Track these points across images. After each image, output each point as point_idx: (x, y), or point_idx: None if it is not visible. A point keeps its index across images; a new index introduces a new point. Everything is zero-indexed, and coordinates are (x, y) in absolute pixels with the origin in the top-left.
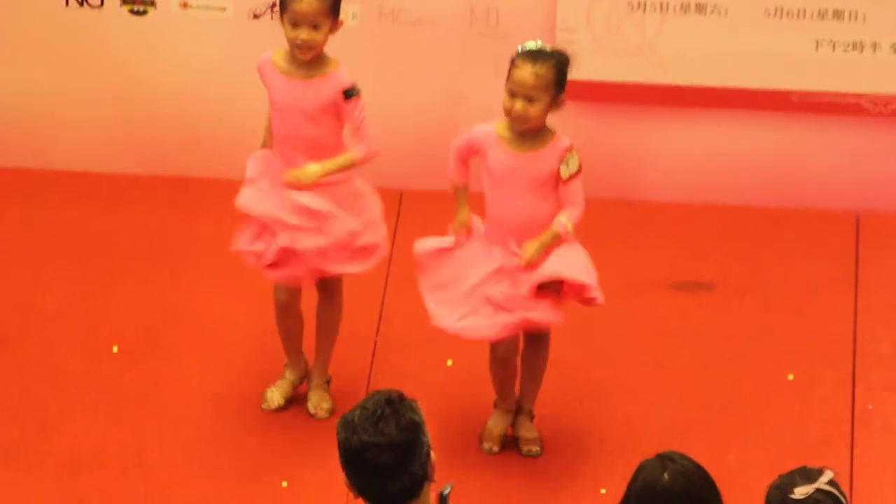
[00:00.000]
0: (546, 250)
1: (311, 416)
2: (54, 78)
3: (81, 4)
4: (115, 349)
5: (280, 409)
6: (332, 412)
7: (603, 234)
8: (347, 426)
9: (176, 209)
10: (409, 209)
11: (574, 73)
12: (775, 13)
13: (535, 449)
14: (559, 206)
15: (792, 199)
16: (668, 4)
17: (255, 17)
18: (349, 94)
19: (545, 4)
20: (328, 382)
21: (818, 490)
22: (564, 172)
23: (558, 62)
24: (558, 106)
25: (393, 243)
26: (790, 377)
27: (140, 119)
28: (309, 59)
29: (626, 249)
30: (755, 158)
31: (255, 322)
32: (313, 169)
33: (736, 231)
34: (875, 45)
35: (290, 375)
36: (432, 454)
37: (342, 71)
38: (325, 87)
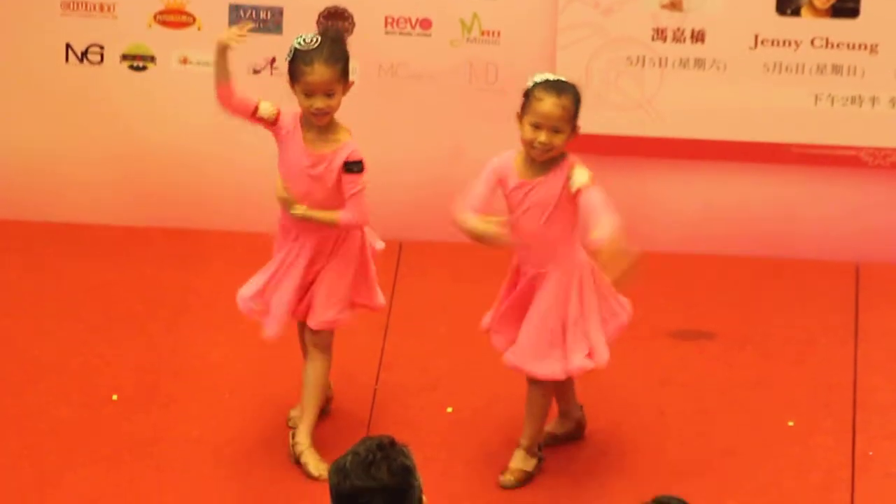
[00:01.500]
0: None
1: (316, 478)
2: (54, 132)
3: (81, 60)
4: (114, 398)
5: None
6: None
7: None
8: (339, 471)
9: (174, 261)
10: (408, 259)
11: None
12: (774, 68)
13: (509, 479)
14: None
15: (792, 250)
16: (667, 59)
17: (255, 72)
18: (351, 167)
19: (544, 59)
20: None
21: None
22: (574, 185)
23: (576, 94)
24: (576, 134)
25: (392, 292)
26: (790, 424)
27: (139, 173)
28: (325, 125)
29: (627, 298)
30: (755, 210)
31: (254, 372)
32: (300, 208)
33: (736, 281)
34: (874, 100)
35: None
36: (424, 499)
37: (352, 143)
38: (336, 157)
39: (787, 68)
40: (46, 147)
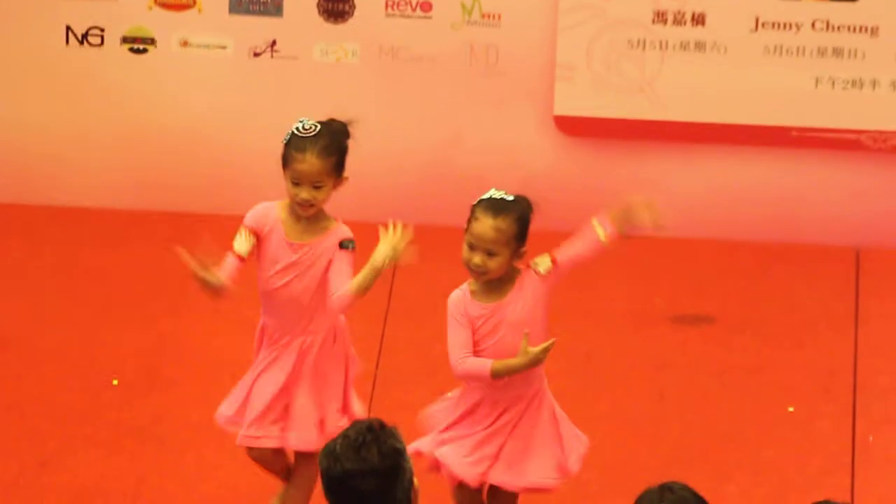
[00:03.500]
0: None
1: None
2: (54, 115)
3: (82, 43)
4: (115, 382)
5: None
6: None
7: (604, 268)
8: (330, 455)
9: (175, 244)
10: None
11: (574, 110)
12: (775, 51)
13: None
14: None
15: (792, 234)
16: (667, 42)
17: (256, 55)
18: (346, 245)
19: (545, 42)
20: None
21: None
22: (543, 269)
23: (520, 216)
24: (519, 257)
25: (392, 278)
26: (790, 409)
27: (141, 156)
28: (309, 217)
29: (628, 283)
30: (755, 194)
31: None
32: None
33: (736, 265)
34: (874, 83)
35: None
36: (415, 480)
37: (343, 227)
38: (328, 241)
39: (787, 51)
40: (47, 130)
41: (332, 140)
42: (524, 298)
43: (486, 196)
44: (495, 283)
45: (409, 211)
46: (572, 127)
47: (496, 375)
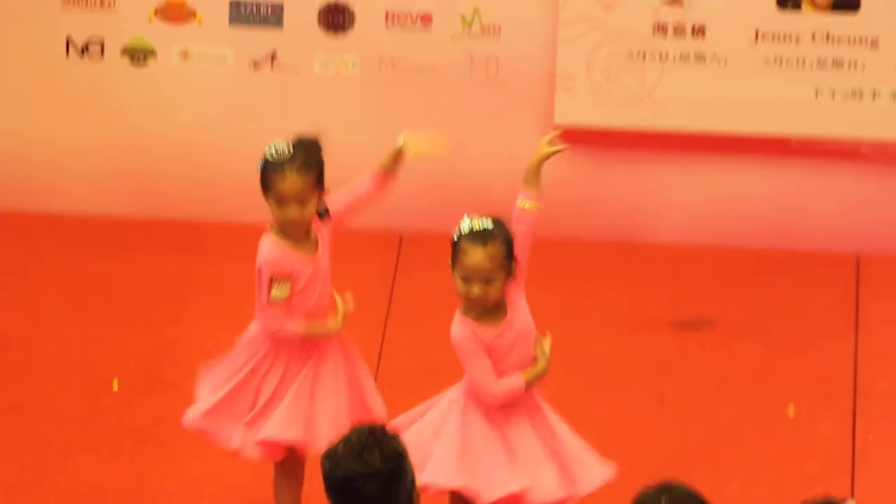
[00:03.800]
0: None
1: None
2: (55, 125)
3: (82, 55)
4: (115, 386)
5: None
6: None
7: (606, 275)
8: (331, 458)
9: (176, 252)
10: (409, 250)
11: (575, 120)
12: (775, 62)
13: None
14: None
15: (792, 242)
16: (667, 54)
17: (256, 66)
18: (322, 213)
19: (545, 53)
20: None
21: None
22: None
23: (505, 238)
24: (512, 275)
25: (393, 282)
26: (790, 413)
27: (141, 165)
28: (302, 235)
29: (629, 289)
30: (756, 202)
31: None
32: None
33: (737, 272)
34: (874, 93)
35: None
36: (417, 483)
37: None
38: (324, 238)
39: (787, 62)
40: (48, 140)
41: (308, 156)
42: (519, 306)
43: (464, 228)
44: (493, 308)
45: (409, 217)
46: (573, 136)
47: (529, 385)
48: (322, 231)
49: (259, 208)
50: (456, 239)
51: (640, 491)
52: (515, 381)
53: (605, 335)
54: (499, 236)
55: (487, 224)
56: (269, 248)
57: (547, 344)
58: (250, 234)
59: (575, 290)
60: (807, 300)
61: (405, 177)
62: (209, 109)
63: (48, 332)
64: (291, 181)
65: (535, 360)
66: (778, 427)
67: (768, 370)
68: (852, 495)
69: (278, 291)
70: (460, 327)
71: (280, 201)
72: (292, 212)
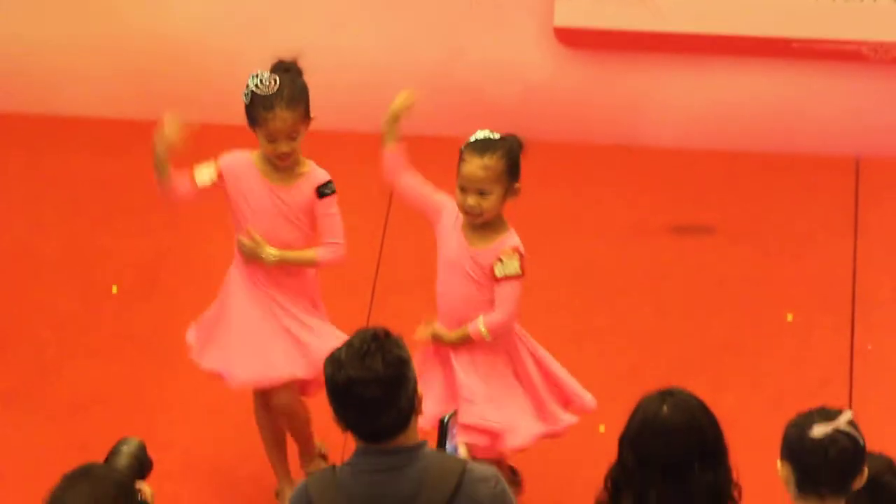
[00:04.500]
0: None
1: None
2: (55, 25)
3: None
4: (114, 290)
5: None
6: None
7: (603, 180)
8: (334, 363)
9: (175, 155)
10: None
11: (575, 22)
12: None
13: None
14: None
15: (792, 145)
16: None
17: None
18: (323, 191)
19: None
20: (324, 457)
21: (837, 430)
22: (499, 271)
23: (508, 151)
24: (514, 194)
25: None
26: (789, 319)
27: (140, 65)
28: (289, 165)
29: (627, 194)
30: (755, 105)
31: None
32: (272, 252)
33: (736, 176)
34: None
35: (288, 490)
36: (419, 389)
37: (316, 169)
38: (306, 187)
39: None
40: (46, 39)
41: (294, 88)
42: (488, 260)
43: (472, 138)
44: (482, 228)
45: (409, 123)
46: (573, 39)
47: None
48: (318, 205)
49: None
50: (462, 148)
51: (641, 398)
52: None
53: (604, 242)
54: (500, 149)
55: (494, 136)
56: (239, 152)
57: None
58: (251, 136)
59: (574, 194)
60: (806, 204)
61: (405, 83)
62: (212, 6)
63: (47, 236)
64: (282, 118)
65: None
66: (777, 334)
67: (767, 276)
68: (850, 402)
69: (200, 172)
70: (454, 202)
71: (271, 138)
72: (283, 147)
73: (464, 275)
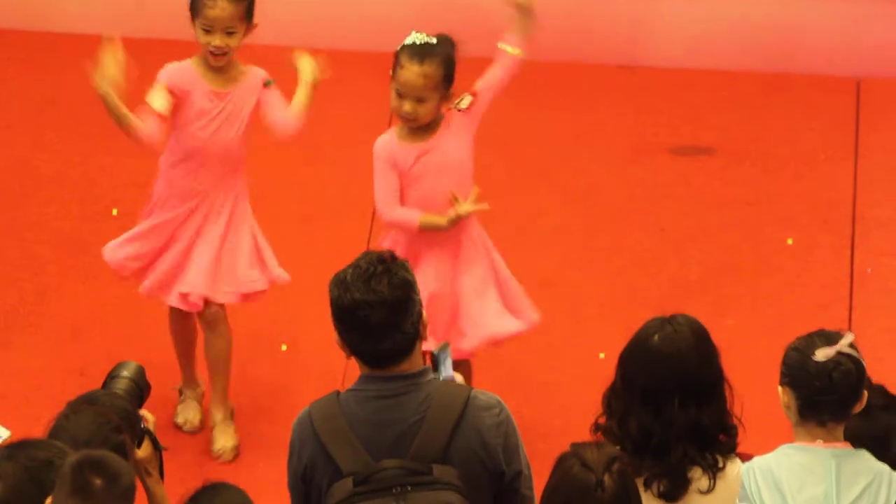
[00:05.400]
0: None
1: (217, 457)
2: None
3: None
4: (114, 213)
5: (200, 428)
6: (237, 451)
7: (603, 100)
8: (340, 284)
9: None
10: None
11: None
12: None
13: None
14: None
15: (793, 65)
16: None
17: None
18: (270, 82)
19: None
20: (231, 416)
21: (839, 353)
22: (465, 104)
23: (445, 58)
24: (448, 99)
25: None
26: (789, 241)
27: None
28: (223, 65)
29: (627, 114)
30: (756, 24)
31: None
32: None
33: (736, 96)
34: None
35: (191, 394)
36: (424, 313)
37: (254, 67)
38: (250, 82)
39: None
40: None
41: None
42: (453, 137)
43: (408, 41)
44: (423, 127)
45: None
46: None
47: (423, 229)
48: (265, 93)
49: (258, 32)
50: (397, 51)
51: (645, 323)
52: (412, 216)
53: (604, 163)
54: (439, 55)
55: (431, 40)
56: (176, 64)
57: (465, 206)
58: (251, 55)
59: (574, 114)
60: (806, 125)
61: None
62: None
63: (46, 154)
64: (221, 7)
65: (455, 202)
66: (776, 255)
67: (767, 196)
68: (850, 324)
69: (155, 99)
70: (384, 138)
71: (207, 28)
72: (217, 40)
73: (439, 172)
